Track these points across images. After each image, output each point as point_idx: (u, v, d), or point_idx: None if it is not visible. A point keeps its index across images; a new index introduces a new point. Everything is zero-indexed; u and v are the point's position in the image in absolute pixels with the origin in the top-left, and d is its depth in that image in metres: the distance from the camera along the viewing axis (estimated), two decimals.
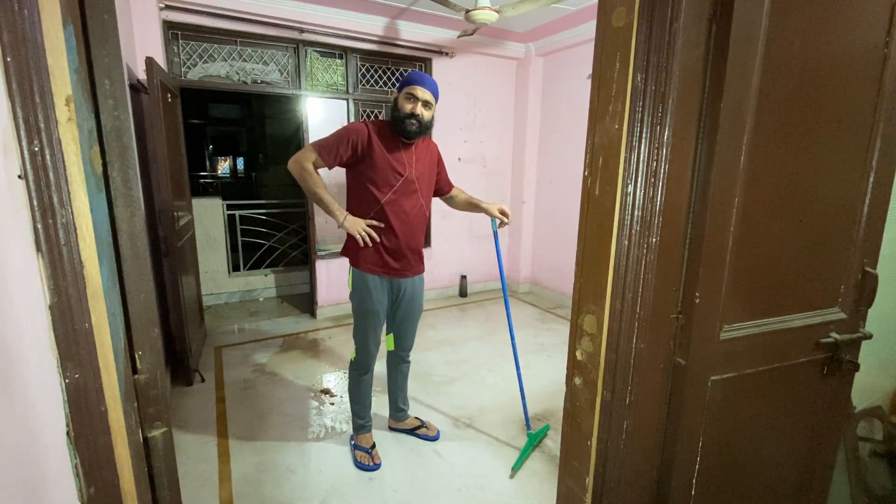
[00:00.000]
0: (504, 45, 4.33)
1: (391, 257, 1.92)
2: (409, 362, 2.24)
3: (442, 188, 2.15)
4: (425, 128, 1.86)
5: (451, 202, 2.21)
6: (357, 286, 1.95)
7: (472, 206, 2.14)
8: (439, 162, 2.09)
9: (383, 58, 4.02)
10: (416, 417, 2.36)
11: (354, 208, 1.91)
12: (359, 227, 1.83)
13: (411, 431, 2.31)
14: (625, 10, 0.83)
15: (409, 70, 4.13)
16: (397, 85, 1.95)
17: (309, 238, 3.94)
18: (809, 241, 1.01)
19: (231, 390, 2.77)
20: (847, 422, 1.44)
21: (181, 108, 3.11)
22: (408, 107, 1.81)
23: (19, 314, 0.59)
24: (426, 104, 1.83)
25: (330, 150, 1.79)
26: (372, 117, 4.08)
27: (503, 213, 2.07)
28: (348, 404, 2.19)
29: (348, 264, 1.99)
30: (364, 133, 1.81)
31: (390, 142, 1.86)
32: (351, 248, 1.94)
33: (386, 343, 2.18)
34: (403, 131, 1.83)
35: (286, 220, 4.91)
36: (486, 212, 2.08)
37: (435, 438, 2.29)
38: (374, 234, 1.85)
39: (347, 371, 2.10)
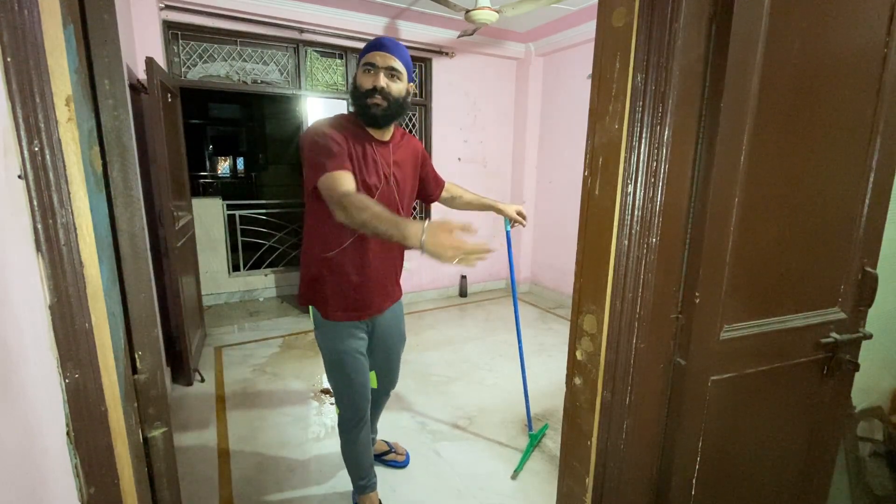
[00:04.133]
0: (504, 45, 4.33)
1: (367, 295, 1.50)
2: (389, 394, 1.90)
3: (432, 192, 1.72)
4: (396, 107, 1.37)
5: (452, 203, 1.81)
6: (322, 324, 1.52)
7: (484, 206, 1.81)
8: (424, 163, 1.65)
9: None
10: (384, 441, 2.14)
11: (318, 245, 1.46)
12: (450, 240, 1.07)
13: (379, 458, 2.08)
14: (625, 10, 0.83)
15: None
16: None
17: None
18: (809, 241, 1.01)
19: (231, 390, 2.77)
20: (847, 422, 1.44)
21: (181, 108, 3.11)
22: (367, 80, 1.35)
23: (19, 314, 0.59)
24: (391, 73, 1.35)
25: (340, 156, 1.32)
26: None
27: (521, 214, 1.82)
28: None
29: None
30: (332, 133, 1.36)
31: (361, 143, 1.41)
32: (313, 296, 1.51)
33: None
34: (365, 115, 1.38)
35: (286, 220, 4.91)
36: (502, 212, 1.81)
37: (404, 464, 2.09)
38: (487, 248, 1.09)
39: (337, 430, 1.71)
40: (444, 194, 1.79)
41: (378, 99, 1.35)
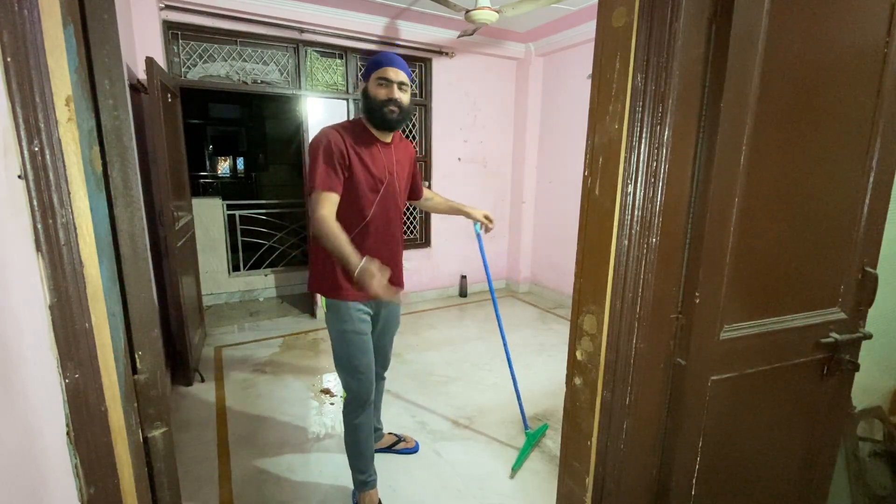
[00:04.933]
0: (504, 45, 4.33)
1: None
2: (385, 379, 2.05)
3: (416, 192, 1.93)
4: (406, 114, 1.63)
5: (424, 205, 2.02)
6: (332, 306, 1.67)
7: (453, 210, 2.01)
8: (415, 163, 1.89)
9: None
10: (392, 433, 2.25)
11: None
12: (371, 283, 1.42)
13: (389, 449, 2.19)
14: (625, 10, 0.83)
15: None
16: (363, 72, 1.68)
17: (309, 238, 3.94)
18: (809, 241, 1.01)
19: (231, 390, 2.77)
20: (847, 422, 1.44)
21: (181, 108, 3.11)
22: (382, 92, 1.57)
23: (19, 314, 0.59)
24: (402, 86, 1.59)
25: (333, 179, 1.53)
26: None
27: (487, 218, 1.99)
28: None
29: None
30: (341, 143, 1.55)
31: (367, 145, 1.62)
32: (323, 282, 1.65)
33: None
34: (383, 121, 1.59)
35: (286, 220, 4.91)
36: (469, 215, 1.98)
37: (415, 450, 2.21)
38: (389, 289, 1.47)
39: (342, 416, 1.79)
40: (420, 199, 2.00)
41: (393, 107, 1.59)
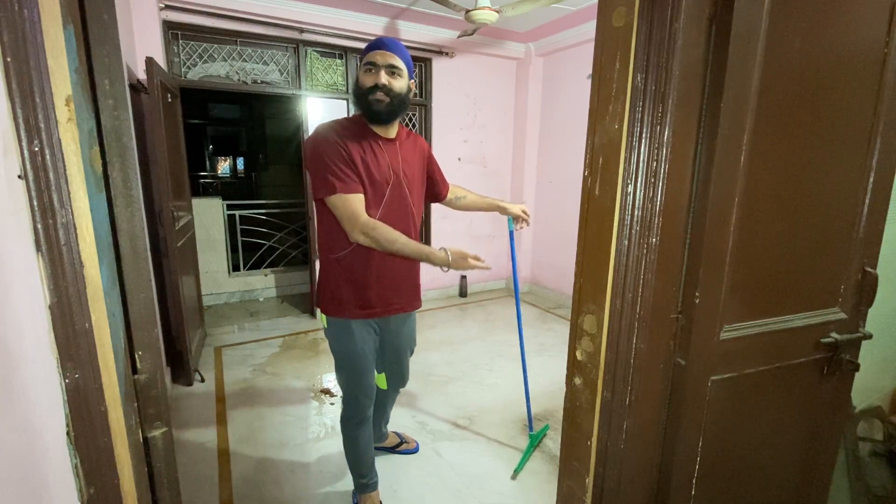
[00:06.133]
0: (504, 45, 4.33)
1: (376, 294, 1.53)
2: (399, 391, 1.98)
3: (439, 192, 1.78)
4: (399, 102, 1.41)
5: (457, 204, 1.85)
6: (332, 323, 1.56)
7: (489, 207, 1.86)
8: (430, 161, 1.70)
9: None
10: (395, 433, 2.23)
11: (328, 247, 1.52)
12: (468, 262, 1.48)
13: (392, 450, 2.18)
14: (625, 10, 0.83)
15: None
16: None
17: (309, 238, 3.94)
18: (809, 241, 1.01)
19: (231, 390, 2.77)
20: (847, 422, 1.44)
21: (181, 108, 3.11)
22: (368, 79, 1.39)
23: (19, 314, 0.59)
24: (392, 70, 1.39)
25: (351, 178, 1.39)
26: None
27: (525, 212, 1.86)
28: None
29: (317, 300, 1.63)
30: (339, 141, 1.40)
31: (367, 143, 1.44)
32: (327, 298, 1.54)
33: (377, 382, 1.81)
34: (370, 112, 1.41)
35: (286, 220, 4.91)
36: (506, 211, 1.84)
37: (415, 451, 2.21)
38: (481, 260, 1.50)
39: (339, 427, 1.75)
40: (449, 195, 1.83)
41: (380, 95, 1.38)
